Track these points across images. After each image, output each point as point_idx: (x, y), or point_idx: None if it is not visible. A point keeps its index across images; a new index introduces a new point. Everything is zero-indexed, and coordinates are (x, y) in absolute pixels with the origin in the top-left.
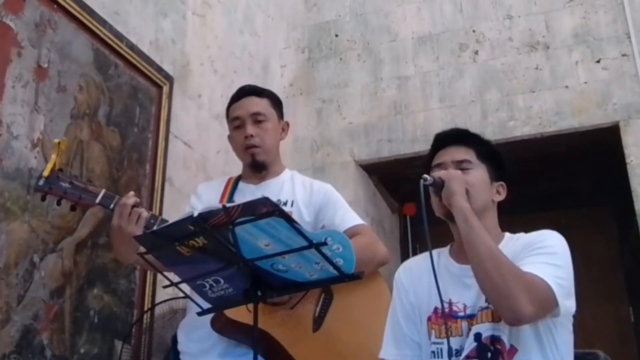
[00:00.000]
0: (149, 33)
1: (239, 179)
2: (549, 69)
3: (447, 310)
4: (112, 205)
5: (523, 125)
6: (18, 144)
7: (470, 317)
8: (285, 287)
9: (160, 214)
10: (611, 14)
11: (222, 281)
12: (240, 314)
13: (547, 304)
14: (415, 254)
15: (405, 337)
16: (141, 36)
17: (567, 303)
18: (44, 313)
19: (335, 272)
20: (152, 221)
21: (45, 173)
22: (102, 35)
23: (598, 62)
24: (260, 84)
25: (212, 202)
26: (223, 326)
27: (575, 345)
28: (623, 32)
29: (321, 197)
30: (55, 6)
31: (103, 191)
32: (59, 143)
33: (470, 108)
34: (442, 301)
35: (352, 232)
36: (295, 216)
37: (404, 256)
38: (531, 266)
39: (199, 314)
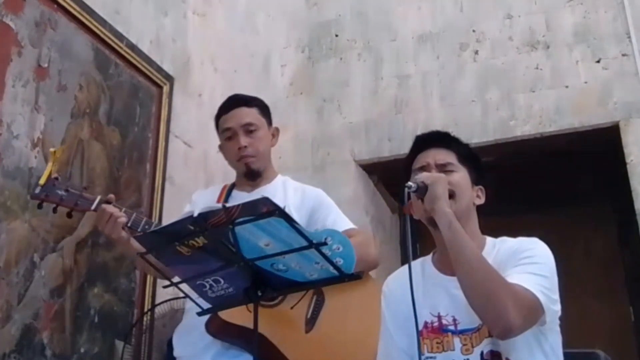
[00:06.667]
0: (149, 32)
1: (232, 186)
2: (550, 68)
3: (436, 324)
4: None
5: (523, 124)
6: (18, 143)
7: (462, 333)
8: (285, 286)
9: (161, 213)
10: (611, 13)
11: (222, 281)
12: (235, 316)
13: (534, 314)
14: (415, 253)
15: (399, 352)
16: (141, 35)
17: (553, 308)
18: (44, 312)
19: (335, 271)
20: (133, 223)
21: (42, 181)
22: (102, 35)
23: (598, 61)
24: (260, 82)
25: None
26: (217, 329)
27: (575, 345)
28: (623, 32)
29: (313, 201)
30: (55, 6)
31: (98, 198)
32: (54, 152)
33: (471, 107)
34: (416, 322)
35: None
36: None
37: (404, 256)
38: (517, 276)
39: (199, 314)
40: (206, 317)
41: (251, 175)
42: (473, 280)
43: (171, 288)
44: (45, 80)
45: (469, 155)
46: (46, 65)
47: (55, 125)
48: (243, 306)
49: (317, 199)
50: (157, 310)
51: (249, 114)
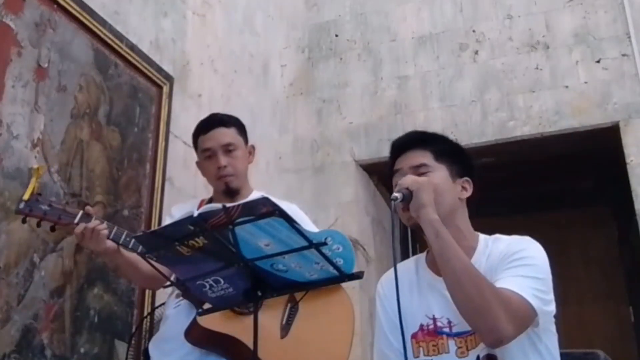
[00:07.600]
0: (149, 33)
1: (210, 200)
2: (549, 69)
3: (431, 327)
4: None
5: (523, 125)
6: (18, 144)
7: (457, 336)
8: (285, 287)
9: (161, 213)
10: (611, 13)
11: (222, 281)
12: (215, 323)
13: (526, 320)
14: (415, 253)
15: (396, 352)
16: (141, 36)
17: (546, 309)
18: (44, 313)
19: (335, 272)
20: (114, 237)
21: (26, 196)
22: (102, 35)
23: (598, 62)
24: (260, 83)
25: None
26: (198, 337)
27: (576, 345)
28: (623, 32)
29: None
30: (55, 6)
31: (81, 212)
32: (37, 169)
33: (470, 108)
34: (402, 328)
35: None
36: None
37: (404, 256)
38: (508, 280)
39: (199, 314)
40: (183, 326)
41: (230, 193)
42: (462, 291)
43: (172, 288)
44: (45, 81)
45: (446, 150)
46: (46, 65)
47: (55, 126)
48: (222, 313)
49: (290, 214)
50: (157, 311)
51: (228, 134)
